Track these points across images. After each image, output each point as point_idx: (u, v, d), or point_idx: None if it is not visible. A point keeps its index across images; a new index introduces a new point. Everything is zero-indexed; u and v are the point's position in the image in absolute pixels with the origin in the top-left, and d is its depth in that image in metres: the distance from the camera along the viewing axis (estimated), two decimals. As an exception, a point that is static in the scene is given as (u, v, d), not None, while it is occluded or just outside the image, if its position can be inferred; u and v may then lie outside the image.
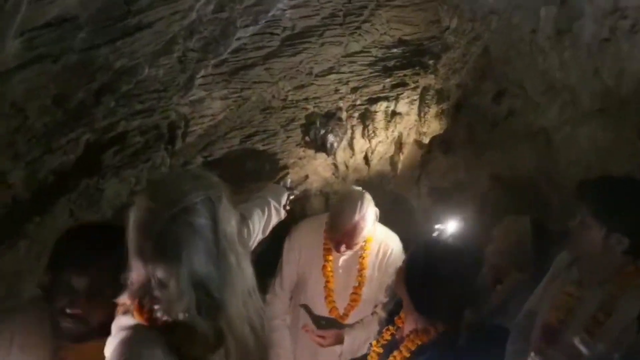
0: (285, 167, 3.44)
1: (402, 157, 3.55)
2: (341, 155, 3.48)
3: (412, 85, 3.16)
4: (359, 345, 2.63)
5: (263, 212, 2.28)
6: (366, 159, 3.54)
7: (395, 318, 2.24)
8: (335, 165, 3.61)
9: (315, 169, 3.60)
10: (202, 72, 2.09)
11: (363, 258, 2.63)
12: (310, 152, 3.36)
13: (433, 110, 3.30)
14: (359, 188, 2.60)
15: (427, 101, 3.25)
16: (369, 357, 2.23)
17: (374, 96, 3.13)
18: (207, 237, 1.19)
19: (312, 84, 2.85)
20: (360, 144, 3.37)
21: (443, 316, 1.95)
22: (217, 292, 1.17)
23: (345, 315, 2.67)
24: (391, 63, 2.95)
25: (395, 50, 2.80)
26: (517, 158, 3.44)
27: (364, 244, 2.64)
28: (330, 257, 2.65)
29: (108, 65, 1.46)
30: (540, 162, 3.42)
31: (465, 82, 3.24)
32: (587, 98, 2.80)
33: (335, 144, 3.19)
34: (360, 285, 2.63)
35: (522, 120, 3.35)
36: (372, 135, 3.29)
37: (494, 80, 3.31)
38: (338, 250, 2.54)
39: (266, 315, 2.83)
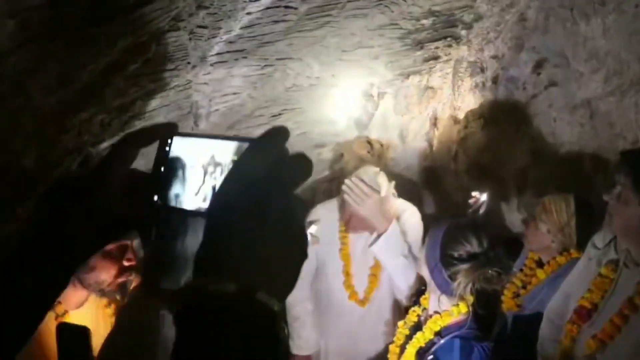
0: (320, 145, 3.41)
1: (437, 133, 3.43)
2: (375, 132, 3.41)
3: (445, 58, 3.03)
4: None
5: None
6: (401, 135, 3.45)
7: (421, 298, 2.21)
8: (370, 143, 3.54)
9: (350, 147, 3.55)
10: (216, 49, 2.05)
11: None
12: (343, 129, 3.31)
13: (467, 83, 3.16)
14: (376, 168, 2.49)
15: (460, 74, 3.11)
16: (395, 339, 2.20)
17: (405, 70, 3.02)
18: None
19: (340, 59, 2.77)
20: (393, 120, 3.28)
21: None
22: None
23: (366, 299, 2.62)
24: (421, 35, 2.82)
25: (424, 21, 2.67)
26: (559, 132, 3.28)
27: None
28: (347, 240, 2.61)
29: (110, 43, 1.44)
30: (583, 135, 3.25)
31: (501, 53, 3.09)
32: (635, 66, 2.62)
33: (366, 120, 3.12)
34: (377, 265, 2.56)
35: (563, 92, 3.18)
36: (405, 111, 3.19)
37: (532, 49, 3.14)
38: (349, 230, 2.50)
39: (287, 304, 2.85)
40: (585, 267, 2.05)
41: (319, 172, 3.68)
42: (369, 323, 2.65)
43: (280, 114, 2.87)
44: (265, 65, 2.46)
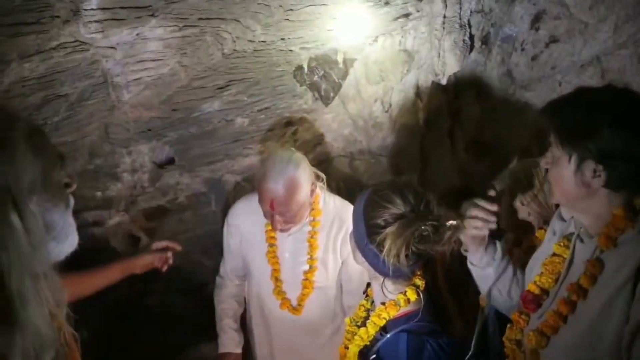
0: (291, 123, 3.09)
1: (421, 104, 3.02)
2: (353, 107, 3.04)
3: (416, 15, 2.62)
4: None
5: None
6: (384, 109, 3.06)
7: (368, 290, 1.90)
8: (352, 120, 3.18)
9: (330, 126, 3.20)
10: (95, 2, 1.82)
11: (312, 237, 2.29)
12: (318, 104, 2.97)
13: (447, 43, 2.74)
14: (291, 149, 2.28)
15: (436, 32, 2.69)
16: (344, 339, 1.91)
17: (372, 31, 2.64)
18: None
19: (287, 19, 2.45)
20: (369, 91, 2.91)
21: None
22: None
23: (299, 306, 2.35)
24: (387, -11, 2.45)
25: (384, -31, 2.30)
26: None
27: (312, 220, 2.30)
28: (275, 241, 2.33)
29: None
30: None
31: (488, 7, 2.66)
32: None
33: (331, 92, 2.76)
34: (311, 269, 2.30)
35: (568, 49, 2.71)
36: (379, 79, 2.81)
37: (527, 0, 2.69)
38: (275, 228, 2.21)
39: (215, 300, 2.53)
40: (547, 244, 1.68)
41: (303, 154, 3.36)
42: (307, 330, 2.42)
43: (228, 86, 2.57)
44: (184, 26, 2.19)
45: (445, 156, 3.24)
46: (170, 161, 2.86)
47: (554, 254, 1.55)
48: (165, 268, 2.25)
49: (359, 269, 2.29)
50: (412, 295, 1.63)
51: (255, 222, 2.38)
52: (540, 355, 1.46)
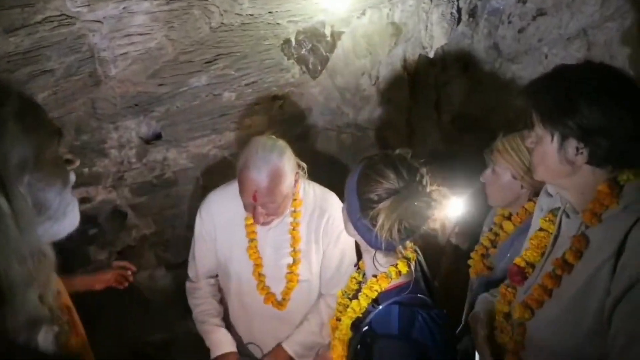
0: (278, 97, 3.06)
1: (408, 76, 3.01)
2: (340, 80, 3.03)
3: (405, -13, 2.61)
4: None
5: None
6: (372, 82, 3.05)
7: (359, 262, 1.91)
8: (340, 93, 3.17)
9: (316, 99, 3.19)
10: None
11: (294, 229, 2.21)
12: (305, 78, 2.95)
13: (434, 16, 2.72)
14: (272, 136, 2.16)
15: (423, 4, 2.67)
16: (336, 312, 1.91)
17: (359, 4, 2.62)
18: None
19: (274, -8, 2.41)
20: (357, 64, 2.89)
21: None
22: None
23: (284, 300, 2.28)
24: (373, -40, 2.42)
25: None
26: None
27: (293, 211, 2.21)
28: (255, 236, 2.22)
29: None
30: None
31: (475, -21, 2.65)
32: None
33: (319, 66, 2.74)
34: (295, 262, 2.23)
35: (555, 22, 2.72)
36: (366, 52, 2.79)
37: (512, -29, 2.68)
38: (258, 221, 2.10)
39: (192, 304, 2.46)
40: (535, 219, 1.71)
41: (289, 129, 3.35)
42: (291, 324, 2.37)
43: (215, 60, 2.54)
44: (171, 0, 2.14)
45: (431, 129, 3.25)
46: (157, 136, 2.84)
47: (540, 229, 1.58)
48: (124, 286, 2.34)
49: (337, 259, 2.29)
50: (403, 267, 1.64)
51: (233, 215, 2.24)
52: (527, 328, 1.48)
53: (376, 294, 1.66)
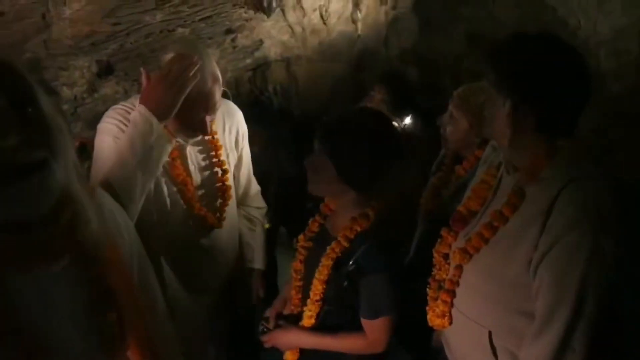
0: (230, 30, 3.04)
1: (361, 15, 3.06)
2: (292, 15, 3.03)
3: None
4: None
5: None
6: (322, 18, 3.08)
7: (321, 205, 2.01)
8: (291, 27, 3.18)
9: (269, 32, 3.19)
10: None
11: (213, 137, 1.96)
12: (254, 13, 2.92)
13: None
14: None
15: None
16: (297, 254, 2.01)
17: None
18: None
19: None
20: (310, 1, 2.89)
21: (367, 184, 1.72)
22: None
23: (222, 217, 2.04)
24: None
25: None
26: (497, 14, 2.94)
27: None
28: (177, 153, 1.86)
29: None
30: (523, 19, 2.93)
31: None
32: None
33: (274, 3, 2.73)
34: (224, 173, 2.01)
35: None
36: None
37: None
38: (207, 132, 1.83)
39: None
40: (480, 170, 1.82)
41: (240, 60, 3.35)
42: (227, 241, 2.13)
43: (168, -1, 2.48)
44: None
45: (379, 63, 3.35)
46: (109, 71, 2.79)
47: (482, 181, 1.69)
48: None
49: (248, 166, 2.22)
50: (379, 206, 1.76)
51: None
52: (462, 270, 1.62)
53: (355, 233, 1.75)
